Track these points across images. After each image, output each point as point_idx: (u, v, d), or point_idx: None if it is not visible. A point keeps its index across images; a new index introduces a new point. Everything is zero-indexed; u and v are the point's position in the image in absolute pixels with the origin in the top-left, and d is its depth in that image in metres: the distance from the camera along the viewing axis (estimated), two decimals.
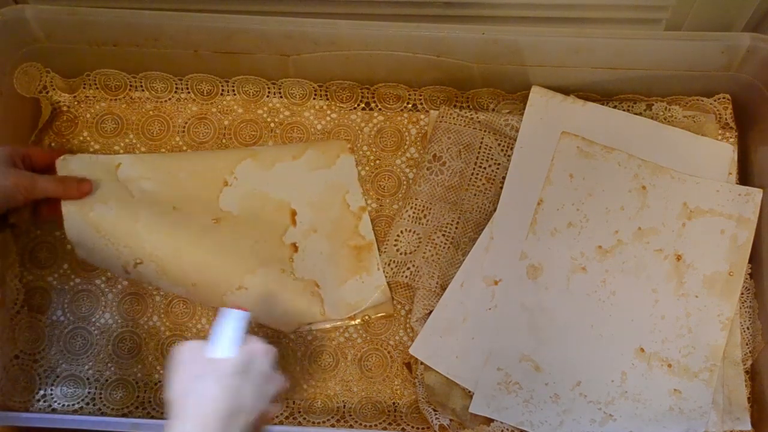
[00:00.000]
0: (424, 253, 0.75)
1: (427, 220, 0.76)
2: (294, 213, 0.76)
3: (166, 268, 0.70)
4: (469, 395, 0.72)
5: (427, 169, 0.77)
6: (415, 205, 0.77)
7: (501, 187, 0.76)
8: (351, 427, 0.73)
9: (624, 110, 0.78)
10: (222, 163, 0.77)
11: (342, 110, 0.82)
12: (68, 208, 0.69)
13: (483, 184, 0.77)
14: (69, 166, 0.71)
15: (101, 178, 0.71)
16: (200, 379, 0.52)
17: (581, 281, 0.73)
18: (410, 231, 0.76)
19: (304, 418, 0.74)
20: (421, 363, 0.73)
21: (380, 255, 0.76)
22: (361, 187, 0.79)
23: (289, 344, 0.76)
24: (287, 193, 0.77)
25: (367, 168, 0.80)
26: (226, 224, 0.74)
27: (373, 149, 0.81)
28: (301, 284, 0.74)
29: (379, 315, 0.76)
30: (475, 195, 0.77)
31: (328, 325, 0.76)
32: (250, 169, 0.77)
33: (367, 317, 0.76)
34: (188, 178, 0.75)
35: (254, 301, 0.72)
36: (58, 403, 0.74)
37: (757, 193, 0.75)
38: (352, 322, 0.76)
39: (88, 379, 0.75)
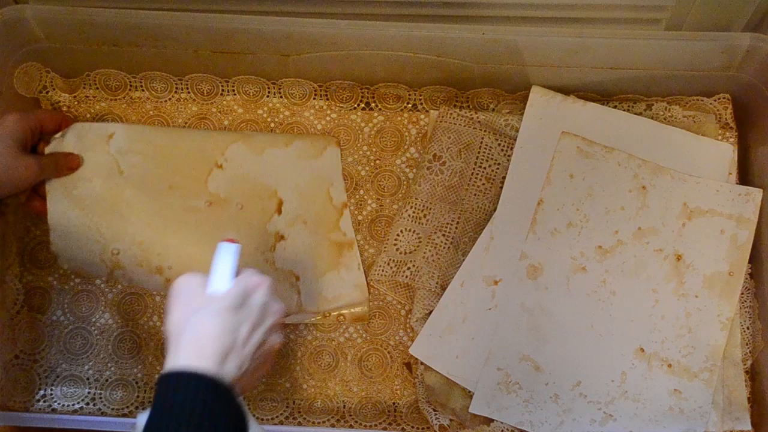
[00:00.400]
0: (424, 253, 0.75)
1: (427, 220, 0.76)
2: (281, 201, 0.77)
3: (146, 252, 0.70)
4: (469, 395, 0.72)
5: (427, 169, 0.77)
6: (415, 204, 0.77)
7: (501, 187, 0.76)
8: (351, 427, 0.73)
9: (624, 110, 0.78)
10: (213, 144, 0.77)
11: (342, 110, 0.82)
12: (53, 186, 0.69)
13: (483, 184, 0.77)
14: (61, 140, 0.72)
15: (92, 150, 0.72)
16: (196, 314, 0.52)
17: (581, 281, 0.73)
18: (410, 230, 0.76)
19: (304, 418, 0.74)
20: (421, 363, 0.73)
21: (380, 254, 0.76)
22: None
23: (289, 344, 0.76)
24: (275, 179, 0.77)
25: (367, 168, 0.80)
26: (212, 208, 0.74)
27: (373, 149, 0.81)
28: (281, 275, 0.74)
29: (354, 315, 0.76)
30: (475, 195, 0.77)
31: (302, 319, 0.76)
32: (241, 152, 0.77)
33: (341, 317, 0.76)
34: (179, 155, 0.75)
35: None
36: (58, 403, 0.74)
37: (757, 193, 0.75)
38: (325, 319, 0.76)
39: (88, 379, 0.75)
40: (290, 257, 0.75)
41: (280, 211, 0.76)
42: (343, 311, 0.76)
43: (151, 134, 0.76)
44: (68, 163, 0.71)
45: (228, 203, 0.75)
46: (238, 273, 0.56)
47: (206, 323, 0.51)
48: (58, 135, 0.72)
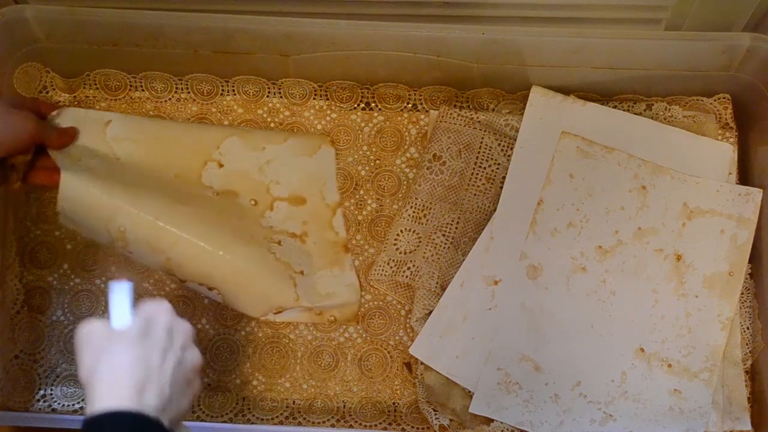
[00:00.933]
0: (424, 253, 0.75)
1: (427, 220, 0.76)
2: (273, 198, 0.77)
3: (149, 233, 0.69)
4: (469, 395, 0.72)
5: (427, 169, 0.77)
6: (415, 204, 0.77)
7: (501, 187, 0.76)
8: (351, 427, 0.73)
9: (624, 110, 0.78)
10: (209, 138, 0.77)
11: (342, 110, 0.82)
12: (62, 161, 0.68)
13: (483, 184, 0.77)
14: (57, 120, 0.71)
15: (88, 135, 0.71)
16: (106, 354, 0.51)
17: (581, 281, 0.73)
18: (410, 230, 0.76)
19: (304, 418, 0.74)
20: (421, 363, 0.73)
21: (380, 254, 0.76)
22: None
23: (289, 344, 0.76)
24: (268, 176, 0.77)
25: (367, 168, 0.80)
26: (211, 199, 0.74)
27: (373, 149, 0.81)
28: (282, 266, 0.74)
29: (345, 315, 0.76)
30: (475, 195, 0.77)
31: (296, 317, 0.76)
32: (236, 147, 0.77)
33: (332, 317, 0.76)
34: (174, 147, 0.75)
35: (232, 277, 0.72)
36: (58, 403, 0.74)
37: (757, 193, 0.75)
38: (318, 317, 0.76)
39: None
40: (286, 251, 0.75)
41: (272, 207, 0.76)
42: (335, 312, 0.76)
43: (147, 125, 0.76)
44: (68, 131, 0.70)
45: (222, 198, 0.75)
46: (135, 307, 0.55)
47: (115, 360, 0.50)
48: (54, 112, 0.71)
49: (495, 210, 0.75)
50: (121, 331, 0.52)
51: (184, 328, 0.55)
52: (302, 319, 0.76)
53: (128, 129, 0.74)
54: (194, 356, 0.55)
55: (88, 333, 0.53)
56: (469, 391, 0.72)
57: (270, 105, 0.82)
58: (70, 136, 0.70)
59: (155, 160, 0.74)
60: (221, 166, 0.76)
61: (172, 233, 0.69)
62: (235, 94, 0.81)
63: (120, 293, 0.55)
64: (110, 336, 0.52)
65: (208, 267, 0.71)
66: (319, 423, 0.73)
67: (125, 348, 0.51)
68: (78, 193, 0.68)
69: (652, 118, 0.78)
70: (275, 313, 0.75)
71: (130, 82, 0.80)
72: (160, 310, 0.54)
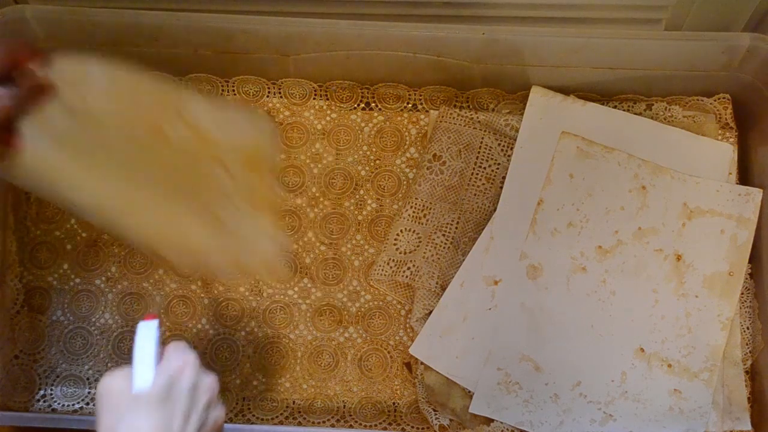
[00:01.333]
0: (424, 252, 0.75)
1: (427, 220, 0.76)
2: (222, 160, 0.73)
3: (112, 204, 0.67)
4: (469, 395, 0.72)
5: (427, 169, 0.77)
6: (415, 204, 0.77)
7: (501, 187, 0.76)
8: (351, 427, 0.73)
9: (624, 110, 0.78)
10: (175, 95, 0.73)
11: (342, 110, 0.82)
12: (29, 129, 0.62)
13: (483, 184, 0.77)
14: (44, 73, 0.66)
15: (68, 90, 0.64)
16: (126, 417, 0.50)
17: (581, 281, 0.73)
18: (410, 230, 0.76)
19: (304, 418, 0.74)
20: (421, 363, 0.73)
21: (380, 254, 0.76)
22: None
23: (289, 344, 0.76)
24: (221, 137, 0.74)
25: (367, 168, 0.80)
26: (170, 158, 0.71)
27: (373, 149, 0.81)
28: (214, 219, 0.69)
29: (268, 271, 0.72)
30: (475, 195, 0.77)
31: (219, 268, 0.72)
32: (199, 108, 0.73)
33: (257, 278, 0.75)
34: (143, 102, 0.72)
35: (166, 229, 0.67)
36: (58, 403, 0.74)
37: (757, 193, 0.75)
38: (242, 273, 0.74)
39: (88, 379, 0.75)
40: (225, 208, 0.71)
41: (224, 168, 0.72)
42: (260, 269, 0.72)
43: (123, 77, 0.69)
44: (43, 90, 0.61)
45: (179, 157, 0.72)
46: (161, 352, 0.54)
47: (136, 426, 0.49)
48: (43, 67, 0.65)
49: (495, 210, 0.76)
50: (143, 393, 0.51)
51: (208, 385, 0.53)
52: (227, 275, 0.73)
53: (108, 81, 0.69)
54: (218, 415, 0.53)
55: (108, 391, 0.51)
56: (469, 391, 0.72)
57: (270, 105, 0.82)
58: (46, 95, 0.61)
59: (125, 113, 0.69)
60: (184, 124, 0.72)
61: (135, 207, 0.65)
62: (235, 94, 0.81)
63: (145, 341, 0.53)
64: (131, 397, 0.51)
65: (150, 226, 0.66)
66: (319, 423, 0.73)
67: (146, 412, 0.50)
68: (40, 166, 0.63)
69: (652, 118, 0.78)
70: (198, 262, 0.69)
71: None
72: (185, 364, 0.53)
